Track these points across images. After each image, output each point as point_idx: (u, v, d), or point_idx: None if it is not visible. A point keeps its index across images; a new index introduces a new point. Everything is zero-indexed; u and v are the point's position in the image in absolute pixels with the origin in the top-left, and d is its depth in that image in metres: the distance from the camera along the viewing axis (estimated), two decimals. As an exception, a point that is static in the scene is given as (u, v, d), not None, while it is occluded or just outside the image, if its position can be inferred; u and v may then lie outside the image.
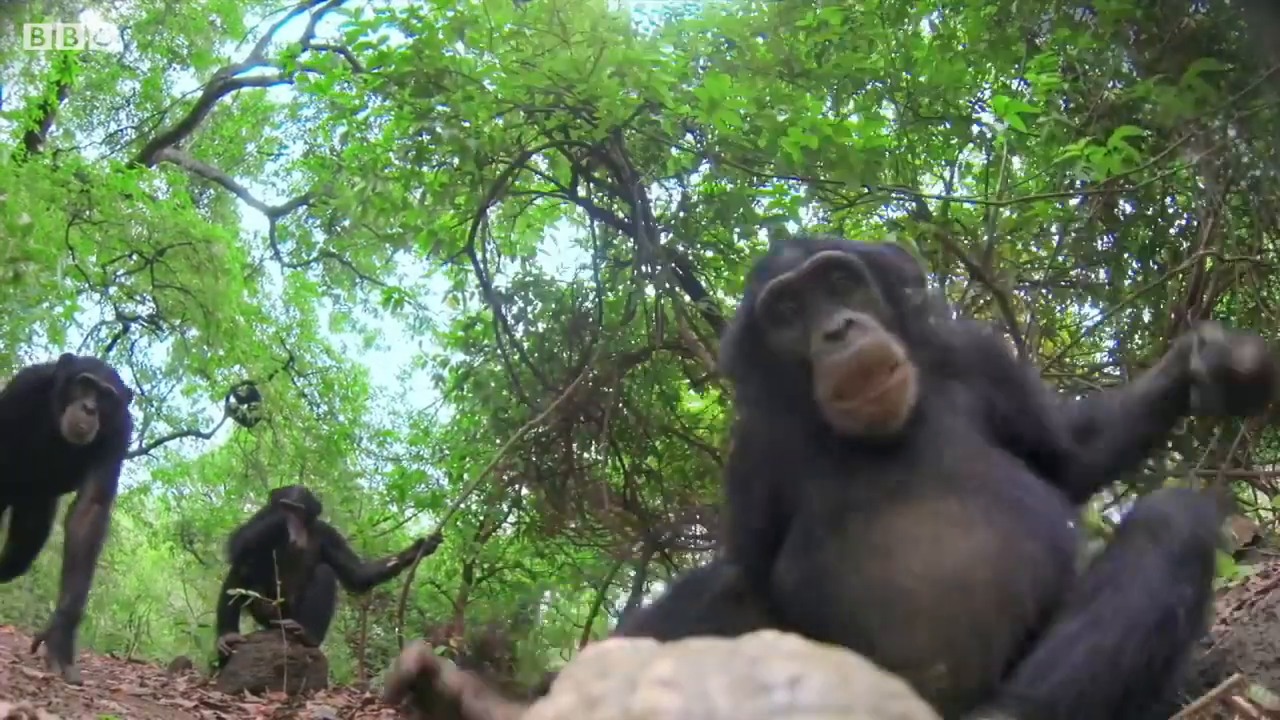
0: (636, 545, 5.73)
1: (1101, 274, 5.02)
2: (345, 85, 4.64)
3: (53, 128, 9.23)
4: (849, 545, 1.32)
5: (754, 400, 1.59)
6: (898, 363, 1.34)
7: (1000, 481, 1.35)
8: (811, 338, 1.38)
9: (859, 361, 1.32)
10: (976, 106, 4.89)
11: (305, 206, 9.82)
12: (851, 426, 1.35)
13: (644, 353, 5.29)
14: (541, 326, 5.54)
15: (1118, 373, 5.03)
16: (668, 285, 4.65)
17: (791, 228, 4.51)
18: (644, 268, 4.83)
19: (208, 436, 10.15)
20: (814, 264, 1.41)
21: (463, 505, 6.10)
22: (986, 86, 4.87)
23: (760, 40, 4.66)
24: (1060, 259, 5.01)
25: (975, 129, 4.86)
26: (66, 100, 9.25)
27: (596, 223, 5.43)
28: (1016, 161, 4.70)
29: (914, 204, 4.66)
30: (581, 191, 5.19)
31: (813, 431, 1.40)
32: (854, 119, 4.67)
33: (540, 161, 5.12)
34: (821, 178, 4.25)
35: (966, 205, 4.85)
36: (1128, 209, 4.75)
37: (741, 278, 4.90)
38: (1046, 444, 1.48)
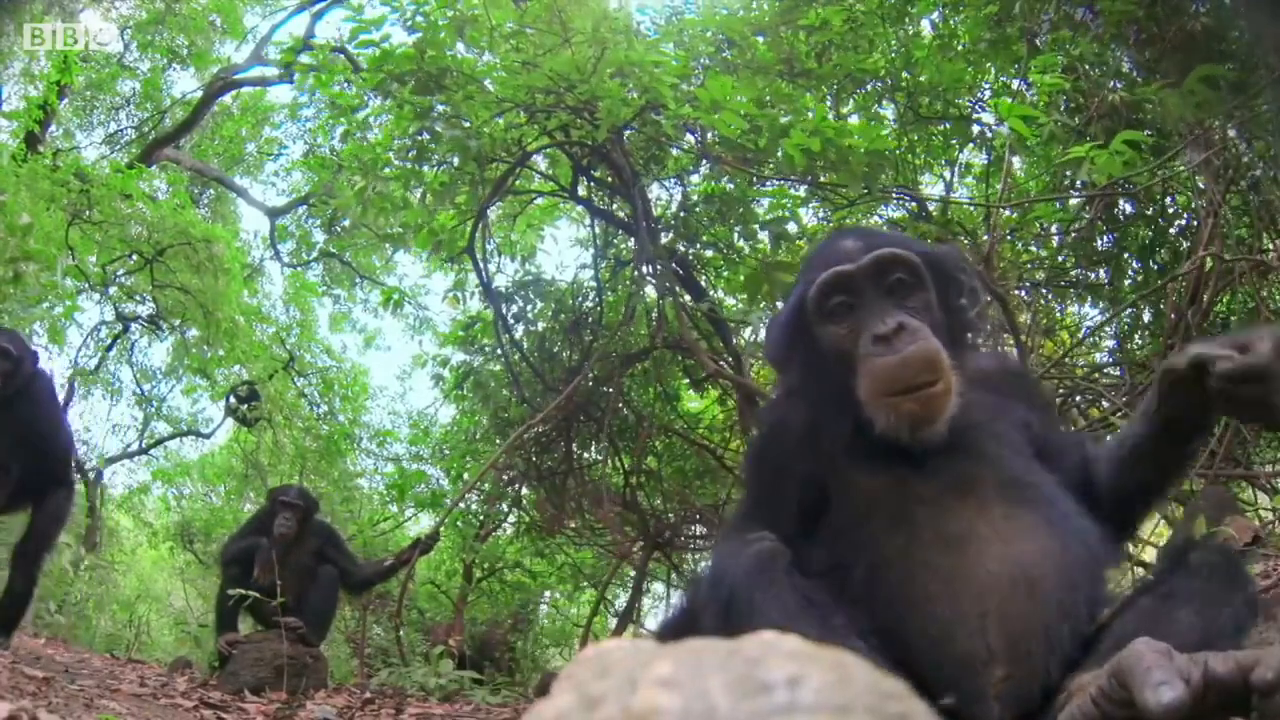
0: (636, 545, 5.73)
1: (1101, 274, 5.02)
2: (345, 85, 4.64)
3: (53, 128, 9.23)
4: (917, 536, 1.33)
5: (795, 390, 1.55)
6: (942, 372, 1.33)
7: (1052, 493, 1.39)
8: (861, 337, 1.35)
9: (904, 368, 1.31)
10: (976, 106, 4.89)
11: (305, 206, 9.83)
12: (891, 425, 1.33)
13: (644, 353, 5.29)
14: (541, 326, 5.54)
15: (1118, 372, 5.03)
16: (668, 285, 4.65)
17: (791, 228, 4.51)
18: (644, 268, 4.83)
19: (208, 436, 10.17)
20: (874, 260, 1.37)
21: (462, 505, 6.10)
22: (986, 86, 4.87)
23: (760, 39, 4.66)
24: (1060, 259, 5.02)
25: (975, 129, 4.87)
26: (66, 100, 9.25)
27: (596, 222, 5.43)
28: (1017, 162, 4.70)
29: (914, 204, 4.67)
30: (582, 191, 5.19)
31: (854, 427, 1.40)
32: (854, 119, 4.67)
33: (540, 161, 5.12)
34: (822, 179, 4.25)
35: (967, 206, 4.85)
36: (1128, 209, 4.76)
37: (742, 278, 4.91)
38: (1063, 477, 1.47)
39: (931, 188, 5.26)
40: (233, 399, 8.89)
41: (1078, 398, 4.80)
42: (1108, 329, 5.17)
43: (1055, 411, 1.78)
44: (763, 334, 5.56)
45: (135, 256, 7.90)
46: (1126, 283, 4.93)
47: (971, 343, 1.48)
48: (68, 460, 4.15)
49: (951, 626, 1.28)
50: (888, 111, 4.94)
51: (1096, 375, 5.03)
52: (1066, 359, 4.95)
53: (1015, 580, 1.28)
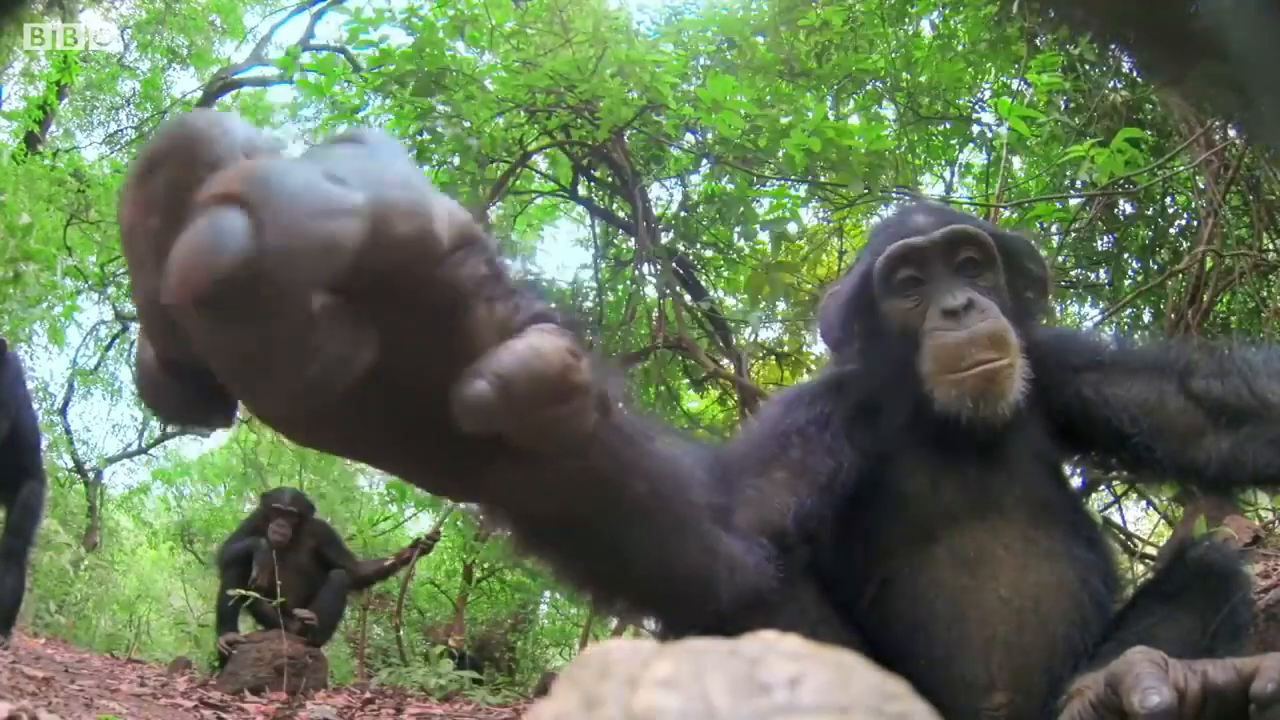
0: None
1: (1101, 274, 5.02)
2: (345, 85, 4.65)
3: (53, 128, 9.23)
4: (934, 554, 1.31)
5: (849, 370, 1.43)
6: (1009, 350, 1.25)
7: (1073, 512, 1.37)
8: (928, 313, 1.28)
9: (971, 344, 1.23)
10: (976, 106, 4.89)
11: (305, 206, 9.80)
12: (953, 400, 1.23)
13: (644, 353, 5.29)
14: (542, 326, 5.53)
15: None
16: (668, 285, 4.65)
17: (791, 228, 4.51)
18: (645, 267, 4.83)
19: (208, 435, 10.17)
20: (947, 235, 1.30)
21: (462, 504, 6.09)
22: (986, 86, 4.87)
23: (760, 40, 4.67)
24: (1060, 259, 5.02)
25: (975, 129, 4.87)
26: (66, 100, 9.25)
27: (596, 222, 5.43)
28: (1017, 162, 4.70)
29: (914, 204, 4.66)
30: (582, 191, 5.20)
31: (910, 415, 1.32)
32: (854, 120, 4.68)
33: (540, 161, 5.12)
34: (823, 179, 4.25)
35: (967, 206, 4.85)
36: (1128, 209, 4.76)
37: (742, 278, 4.91)
38: (1139, 432, 1.32)
39: (931, 188, 5.27)
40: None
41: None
42: (1108, 329, 5.17)
43: (1120, 345, 1.57)
44: (764, 333, 5.58)
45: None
46: (1126, 283, 4.93)
47: (1036, 335, 1.37)
48: (38, 450, 4.13)
49: (955, 649, 1.26)
50: (888, 111, 4.94)
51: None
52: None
53: (1025, 610, 1.26)
